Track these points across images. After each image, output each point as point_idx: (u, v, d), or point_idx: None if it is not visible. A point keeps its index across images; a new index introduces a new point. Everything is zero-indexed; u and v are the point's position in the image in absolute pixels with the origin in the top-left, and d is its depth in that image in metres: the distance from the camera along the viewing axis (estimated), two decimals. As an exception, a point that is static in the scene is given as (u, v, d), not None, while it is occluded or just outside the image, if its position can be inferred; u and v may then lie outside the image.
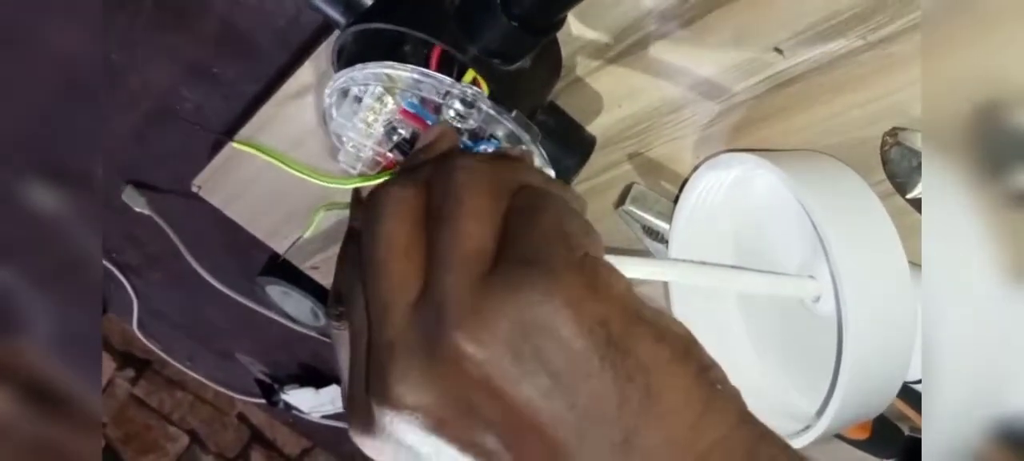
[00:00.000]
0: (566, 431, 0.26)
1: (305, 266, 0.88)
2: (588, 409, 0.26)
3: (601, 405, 0.26)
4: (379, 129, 0.50)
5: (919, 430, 0.55)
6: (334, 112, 0.51)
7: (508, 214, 0.28)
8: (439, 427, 0.26)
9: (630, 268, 0.44)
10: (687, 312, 0.55)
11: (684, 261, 0.54)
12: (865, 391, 0.43)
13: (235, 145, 0.70)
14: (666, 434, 0.27)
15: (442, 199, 0.28)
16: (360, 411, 0.28)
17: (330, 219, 0.70)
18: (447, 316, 0.26)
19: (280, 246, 0.85)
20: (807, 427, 0.46)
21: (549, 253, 0.27)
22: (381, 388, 0.27)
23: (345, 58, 0.50)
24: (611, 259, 0.39)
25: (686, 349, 0.28)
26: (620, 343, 0.26)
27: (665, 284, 0.57)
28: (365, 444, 0.29)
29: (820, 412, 0.45)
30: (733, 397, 0.28)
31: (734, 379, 0.53)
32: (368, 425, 0.28)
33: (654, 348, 0.27)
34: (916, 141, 0.44)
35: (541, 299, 0.26)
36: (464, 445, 0.26)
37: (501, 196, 0.29)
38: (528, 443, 0.26)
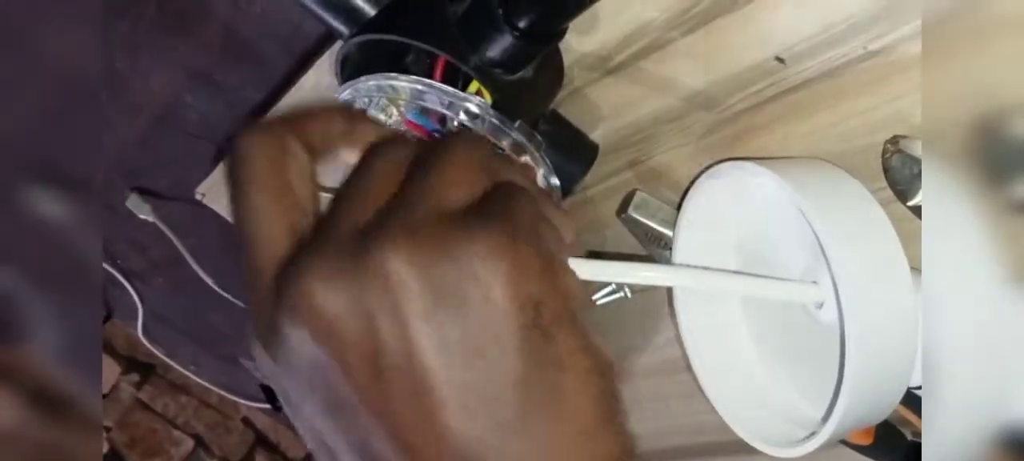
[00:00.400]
0: (447, 391, 0.24)
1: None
2: (484, 379, 0.25)
3: (501, 379, 0.25)
4: (384, 140, 0.50)
5: (921, 435, 0.55)
6: (338, 122, 0.51)
7: (486, 194, 0.27)
8: (329, 335, 0.25)
9: (634, 273, 0.44)
10: (691, 317, 0.56)
11: (687, 266, 0.54)
12: (869, 397, 0.44)
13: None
14: (555, 431, 0.26)
15: (429, 155, 0.28)
16: (264, 318, 0.27)
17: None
18: (387, 231, 0.25)
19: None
20: (812, 433, 0.46)
21: (515, 225, 0.26)
22: (293, 276, 0.25)
23: (349, 69, 0.50)
24: (617, 264, 0.39)
25: (607, 369, 0.27)
26: (546, 329, 0.25)
27: (669, 289, 0.57)
28: (259, 351, 0.28)
29: (825, 418, 0.45)
30: (628, 434, 0.28)
31: (739, 384, 0.54)
32: (270, 329, 0.26)
33: (576, 353, 0.26)
34: (917, 149, 0.45)
35: (487, 253, 0.25)
36: (343, 365, 0.25)
37: (486, 176, 0.28)
38: (399, 387, 0.25)
